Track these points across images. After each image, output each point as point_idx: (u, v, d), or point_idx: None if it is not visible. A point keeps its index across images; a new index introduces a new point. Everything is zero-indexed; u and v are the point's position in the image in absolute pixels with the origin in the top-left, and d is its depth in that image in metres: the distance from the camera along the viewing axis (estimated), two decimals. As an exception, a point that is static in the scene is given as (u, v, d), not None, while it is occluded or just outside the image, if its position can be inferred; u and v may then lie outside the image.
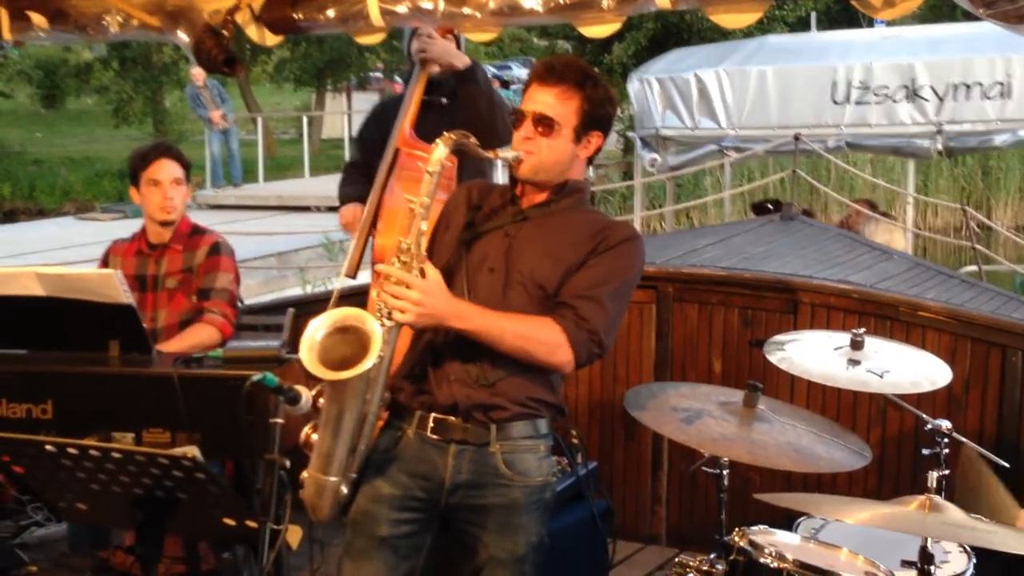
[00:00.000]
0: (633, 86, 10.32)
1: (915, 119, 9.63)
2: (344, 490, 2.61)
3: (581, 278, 2.66)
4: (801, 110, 9.92)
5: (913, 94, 9.59)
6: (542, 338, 2.61)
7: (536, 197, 2.77)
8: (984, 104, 9.44)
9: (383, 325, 2.46)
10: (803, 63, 10.19)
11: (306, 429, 2.65)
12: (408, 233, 2.54)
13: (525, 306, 2.66)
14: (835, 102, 9.82)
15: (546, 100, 2.67)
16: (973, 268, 9.60)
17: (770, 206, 9.62)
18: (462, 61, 3.99)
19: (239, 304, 4.18)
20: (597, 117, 2.72)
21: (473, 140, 2.63)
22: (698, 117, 9.98)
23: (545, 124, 2.67)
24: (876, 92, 9.69)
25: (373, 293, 3.12)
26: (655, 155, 10.19)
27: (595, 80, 2.72)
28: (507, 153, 2.69)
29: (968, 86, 9.45)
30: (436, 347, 2.69)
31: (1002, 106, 9.42)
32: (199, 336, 3.88)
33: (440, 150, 2.57)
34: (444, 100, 4.08)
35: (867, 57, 9.82)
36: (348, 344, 2.42)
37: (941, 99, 9.53)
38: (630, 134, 11.75)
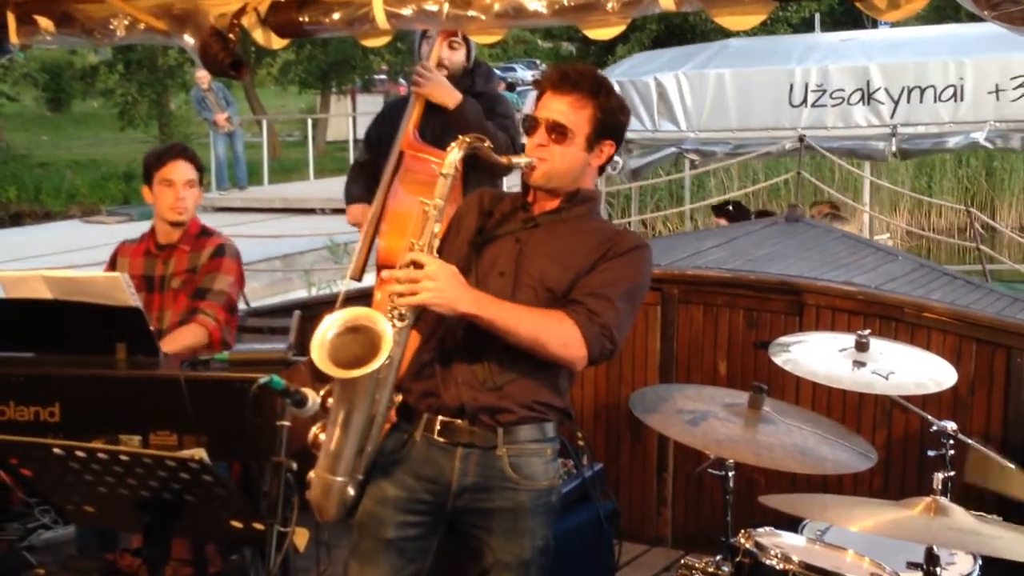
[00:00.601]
0: None
1: (870, 121, 9.74)
2: (351, 491, 2.61)
3: (591, 280, 2.67)
4: (760, 113, 10.00)
5: (868, 97, 9.71)
6: (556, 331, 2.60)
7: (548, 204, 2.77)
8: (937, 107, 9.55)
9: (394, 325, 2.47)
10: (761, 66, 10.29)
11: (314, 429, 2.66)
12: (421, 234, 2.54)
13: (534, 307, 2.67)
14: (792, 105, 9.91)
15: (559, 108, 2.68)
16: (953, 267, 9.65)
17: (730, 208, 9.73)
18: (453, 100, 3.95)
19: (244, 305, 4.17)
20: (610, 126, 2.73)
21: (488, 144, 2.64)
22: (658, 120, 10.09)
23: (558, 132, 2.67)
24: (832, 95, 9.81)
25: (378, 295, 3.14)
26: (617, 158, 10.34)
27: (608, 89, 2.73)
28: (520, 159, 2.70)
29: (922, 89, 9.57)
30: (445, 349, 2.70)
31: (955, 109, 9.51)
32: (186, 338, 3.85)
33: (455, 153, 2.58)
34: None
35: (824, 60, 9.95)
36: (359, 344, 2.43)
37: (895, 102, 9.64)
38: None
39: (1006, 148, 9.68)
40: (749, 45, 11.73)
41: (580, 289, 2.67)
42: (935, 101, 9.50)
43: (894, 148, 9.58)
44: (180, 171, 4.05)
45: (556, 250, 2.71)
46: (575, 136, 2.68)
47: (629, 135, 10.17)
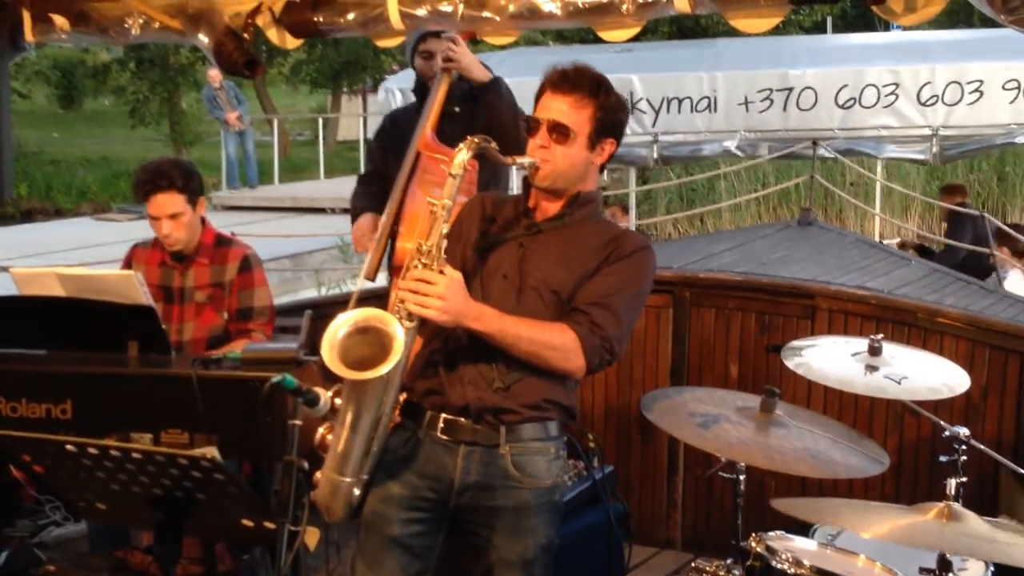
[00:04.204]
0: (380, 96, 10.86)
1: (634, 130, 10.32)
2: (356, 492, 2.60)
3: (594, 286, 2.67)
4: None
5: (632, 107, 10.30)
6: (556, 344, 2.62)
7: (550, 208, 2.77)
8: (694, 117, 10.30)
9: (403, 327, 2.47)
10: (533, 76, 10.51)
11: (321, 430, 2.65)
12: (429, 235, 2.54)
13: (540, 311, 2.67)
14: None
15: (560, 108, 2.68)
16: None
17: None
18: (486, 75, 3.96)
19: None
20: (610, 124, 2.73)
21: (494, 145, 2.63)
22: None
23: (560, 132, 2.67)
24: None
25: (393, 295, 3.12)
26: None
27: (608, 87, 2.73)
28: (524, 159, 2.70)
29: (679, 100, 10.32)
30: (450, 348, 2.69)
31: (709, 119, 10.25)
32: None
33: (463, 154, 2.58)
34: (456, 109, 4.06)
35: (611, 72, 10.29)
36: (368, 344, 2.42)
37: (656, 112, 10.40)
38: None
39: (754, 156, 10.36)
40: (529, 56, 12.12)
41: (583, 296, 2.67)
42: (691, 111, 10.31)
43: (656, 155, 10.28)
44: (158, 206, 3.90)
45: (561, 254, 2.71)
46: (577, 136, 2.68)
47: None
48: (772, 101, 9.80)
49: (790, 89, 9.69)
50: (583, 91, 2.68)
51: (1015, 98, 9.18)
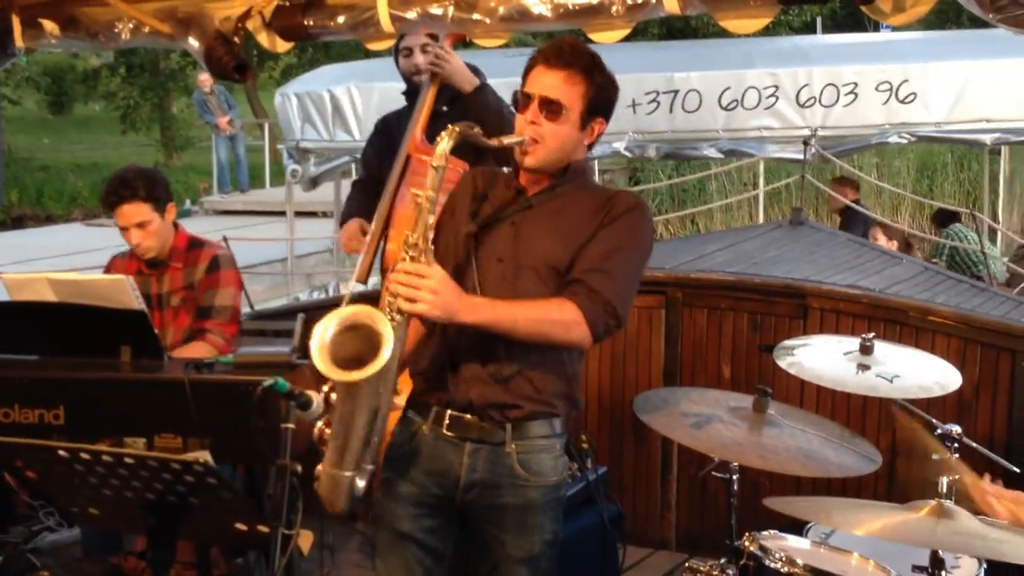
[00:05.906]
0: (277, 100, 10.91)
1: None
2: (360, 483, 2.55)
3: (590, 252, 2.63)
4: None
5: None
6: (556, 318, 2.57)
7: (541, 182, 2.73)
8: None
9: (393, 319, 2.44)
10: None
11: (319, 424, 2.63)
12: (415, 227, 2.50)
13: (540, 291, 2.63)
14: None
15: (553, 83, 2.63)
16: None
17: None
18: (471, 83, 3.95)
19: (248, 308, 4.16)
20: (602, 102, 2.69)
21: (477, 130, 2.58)
22: (333, 130, 10.40)
23: (552, 108, 2.62)
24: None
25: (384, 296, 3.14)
26: (297, 166, 10.61)
27: (601, 66, 2.68)
28: (511, 139, 2.65)
29: None
30: (450, 343, 2.67)
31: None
32: (197, 355, 3.79)
33: (445, 143, 2.53)
34: (444, 108, 4.06)
35: (488, 76, 10.29)
36: (358, 341, 2.40)
37: None
38: (279, 146, 12.45)
39: (643, 156, 10.34)
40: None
41: (580, 264, 2.63)
42: None
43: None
44: (126, 216, 3.91)
45: (554, 226, 2.67)
46: (569, 113, 2.64)
47: (307, 144, 10.97)
48: (659, 103, 9.84)
49: (676, 91, 9.76)
50: (577, 67, 2.63)
51: (887, 99, 9.37)
